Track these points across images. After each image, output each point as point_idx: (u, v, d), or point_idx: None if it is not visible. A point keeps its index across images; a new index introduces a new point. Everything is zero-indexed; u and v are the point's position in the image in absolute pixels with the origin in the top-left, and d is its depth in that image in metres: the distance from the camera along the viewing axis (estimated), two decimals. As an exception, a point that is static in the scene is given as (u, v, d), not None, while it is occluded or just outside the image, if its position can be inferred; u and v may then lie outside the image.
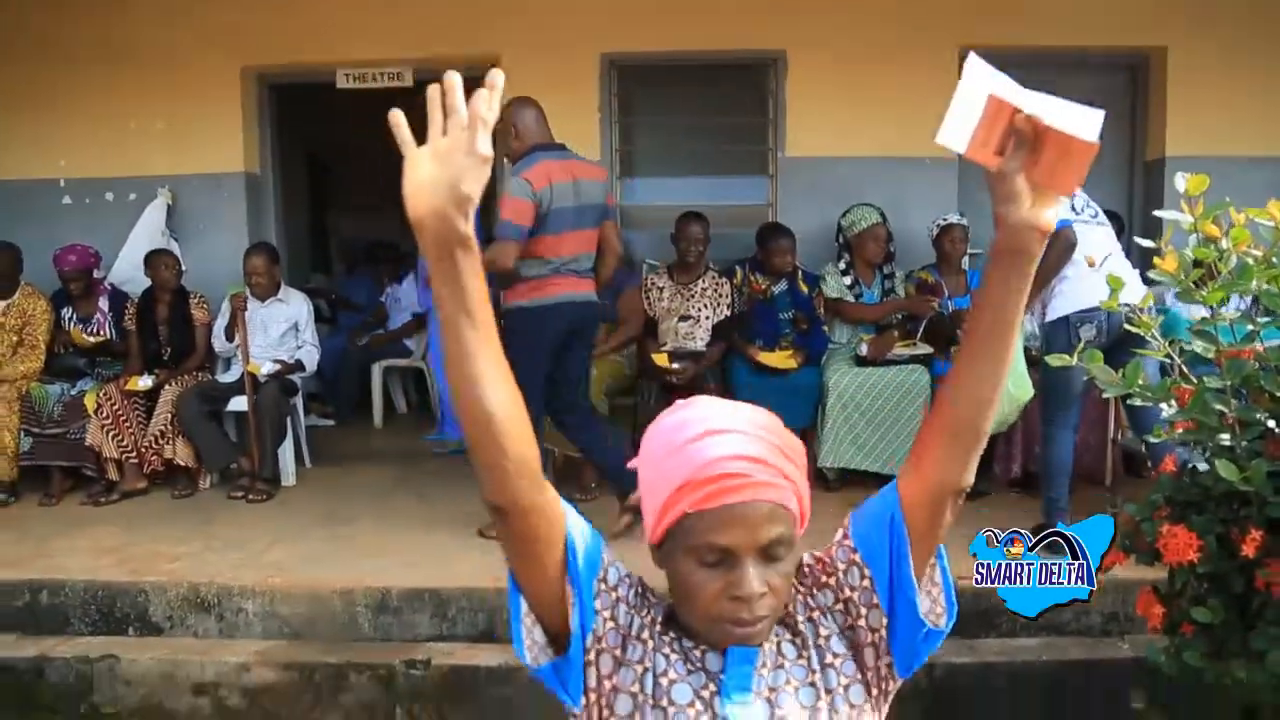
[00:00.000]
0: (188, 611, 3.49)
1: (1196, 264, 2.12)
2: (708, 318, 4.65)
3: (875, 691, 1.13)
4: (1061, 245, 3.64)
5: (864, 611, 1.12)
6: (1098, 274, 2.79)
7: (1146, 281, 2.78)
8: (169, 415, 4.60)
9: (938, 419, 1.10)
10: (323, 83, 5.44)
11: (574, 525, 1.08)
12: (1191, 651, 2.11)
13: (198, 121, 5.37)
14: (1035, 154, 0.98)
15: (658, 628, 1.12)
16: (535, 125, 3.79)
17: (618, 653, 1.09)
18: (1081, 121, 0.98)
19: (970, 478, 1.10)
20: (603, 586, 1.09)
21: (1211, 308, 2.13)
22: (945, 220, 4.79)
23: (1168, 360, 2.27)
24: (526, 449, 1.00)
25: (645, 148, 5.67)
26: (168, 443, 4.60)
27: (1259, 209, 2.15)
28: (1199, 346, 2.20)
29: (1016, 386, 3.72)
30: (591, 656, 1.08)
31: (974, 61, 1.01)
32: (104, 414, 4.53)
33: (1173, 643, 2.15)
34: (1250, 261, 2.11)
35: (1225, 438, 2.10)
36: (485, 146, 0.91)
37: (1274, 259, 2.13)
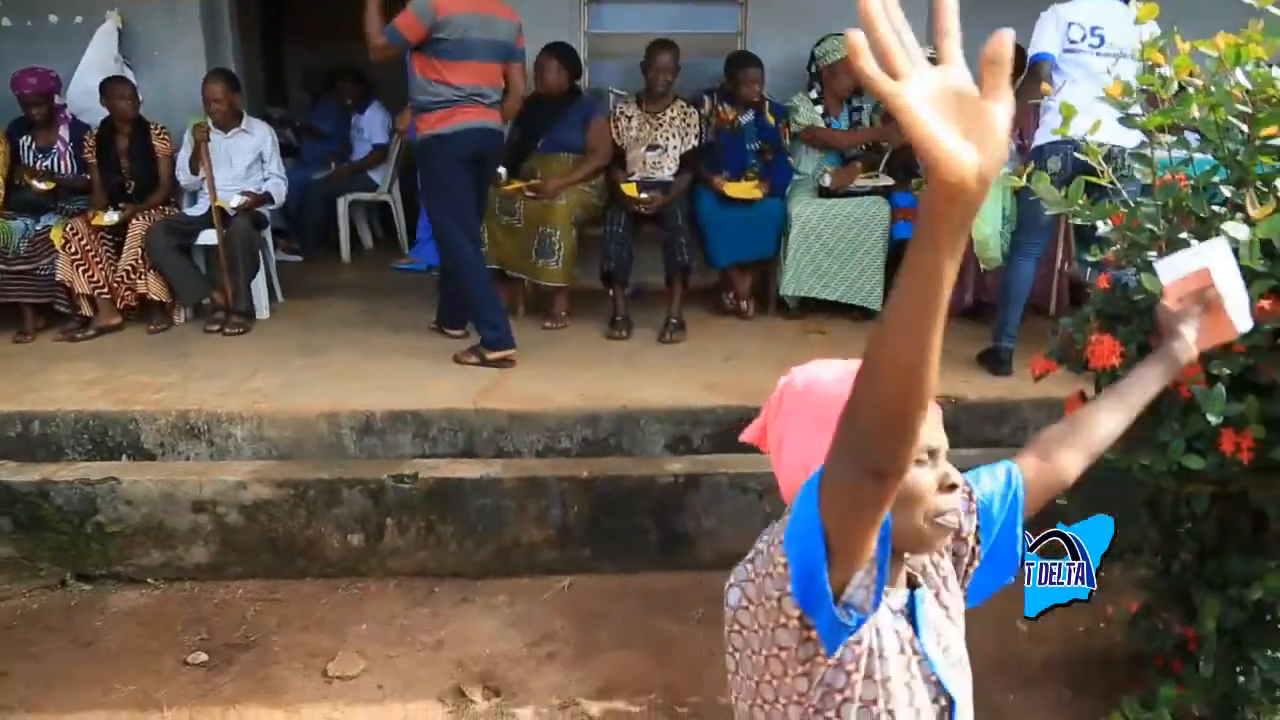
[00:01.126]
0: (178, 438, 3.66)
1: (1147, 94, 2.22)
2: (675, 147, 4.69)
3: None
4: (1034, 77, 3.72)
5: (967, 557, 1.28)
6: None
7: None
8: (139, 250, 4.61)
9: (1079, 438, 1.36)
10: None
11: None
12: (1111, 449, 2.34)
13: (145, -66, 5.09)
14: (1204, 313, 1.43)
15: None
16: None
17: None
18: (1241, 315, 1.43)
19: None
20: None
21: (1149, 133, 2.25)
22: None
23: (1112, 186, 2.40)
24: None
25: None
26: (139, 277, 4.62)
27: (1206, 40, 2.24)
28: (1137, 170, 2.34)
29: (987, 225, 3.88)
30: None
31: (1220, 242, 1.46)
32: (72, 249, 4.53)
33: (1093, 440, 2.39)
34: (1191, 90, 2.22)
35: (1152, 254, 2.26)
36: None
37: (1212, 88, 2.24)
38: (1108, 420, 1.39)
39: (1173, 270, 1.41)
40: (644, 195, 4.51)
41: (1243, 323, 1.41)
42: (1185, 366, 1.41)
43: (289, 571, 3.33)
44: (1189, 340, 1.43)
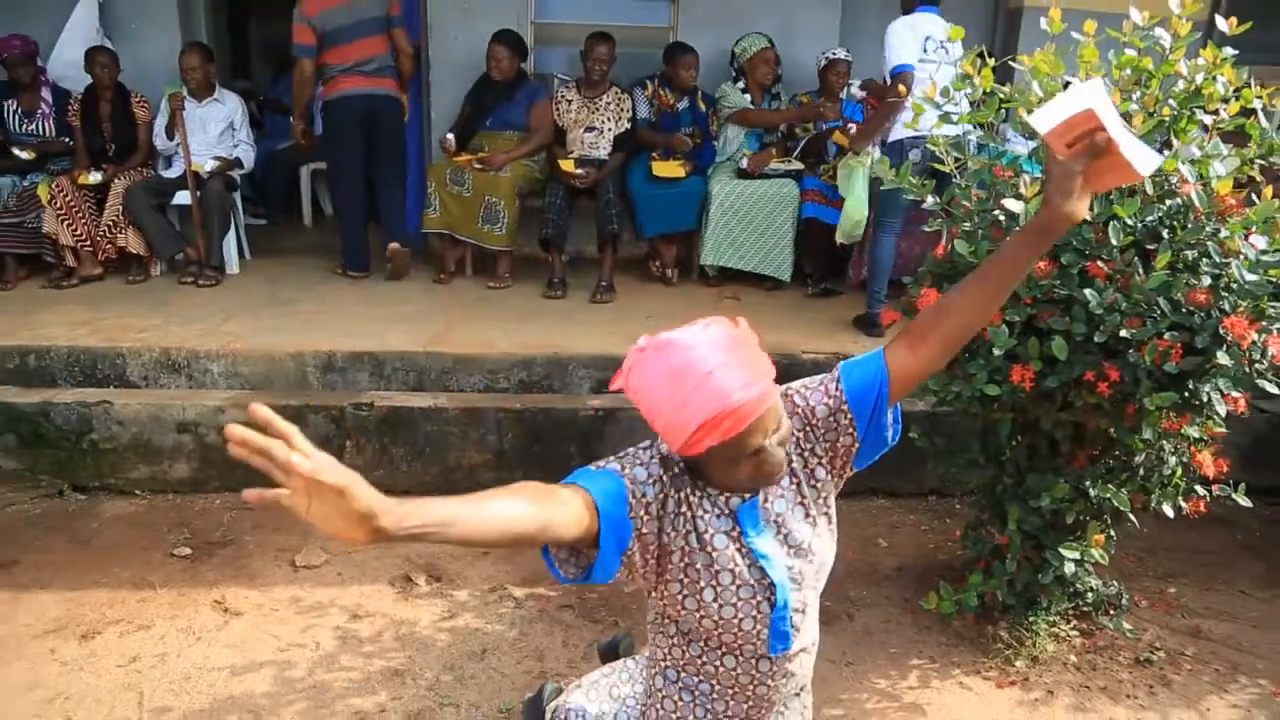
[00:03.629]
0: (160, 372, 4.13)
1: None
2: (610, 129, 5.23)
3: (836, 492, 1.51)
4: (895, 87, 4.30)
5: (844, 442, 1.45)
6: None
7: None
8: (119, 207, 5.03)
9: (939, 329, 1.39)
10: None
11: (603, 505, 1.31)
12: (934, 379, 2.94)
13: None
14: (1094, 161, 1.26)
15: (688, 490, 1.37)
16: None
17: (658, 528, 1.35)
18: (1142, 157, 1.26)
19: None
20: (639, 511, 1.33)
21: (967, 126, 2.85)
22: (833, 54, 5.32)
23: (952, 172, 2.99)
24: (546, 528, 1.23)
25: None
26: (120, 232, 5.05)
27: (1027, 55, 2.83)
28: (964, 157, 2.93)
29: (857, 211, 4.49)
30: (632, 548, 1.33)
31: (1095, 83, 1.27)
32: (58, 204, 4.95)
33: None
34: (1000, 95, 2.82)
35: (968, 225, 2.86)
36: (334, 477, 0.98)
37: (1017, 95, 2.85)
38: (965, 301, 1.39)
39: (1050, 118, 1.24)
40: (580, 171, 5.05)
41: (1148, 160, 1.25)
42: (1061, 228, 1.30)
43: (262, 485, 3.80)
44: (1066, 204, 1.27)
